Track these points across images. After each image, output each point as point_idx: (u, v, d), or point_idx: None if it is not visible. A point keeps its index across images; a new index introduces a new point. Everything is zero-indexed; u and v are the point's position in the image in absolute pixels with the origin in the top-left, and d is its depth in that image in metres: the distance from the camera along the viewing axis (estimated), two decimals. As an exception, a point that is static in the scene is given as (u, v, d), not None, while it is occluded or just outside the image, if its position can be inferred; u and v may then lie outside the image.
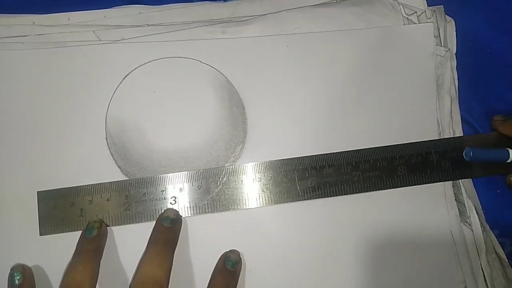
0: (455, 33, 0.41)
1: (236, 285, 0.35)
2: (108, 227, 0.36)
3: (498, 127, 0.39)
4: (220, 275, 0.35)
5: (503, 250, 0.39)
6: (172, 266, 0.33)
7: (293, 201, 0.37)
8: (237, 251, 0.37)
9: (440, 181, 0.39)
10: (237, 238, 0.37)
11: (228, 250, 0.37)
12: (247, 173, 0.37)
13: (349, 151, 0.38)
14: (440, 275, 0.38)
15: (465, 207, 0.39)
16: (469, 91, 0.41)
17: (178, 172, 0.37)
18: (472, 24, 0.41)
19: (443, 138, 0.40)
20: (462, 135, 0.40)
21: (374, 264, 0.38)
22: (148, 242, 0.35)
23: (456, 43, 0.41)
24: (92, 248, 0.34)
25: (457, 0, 0.41)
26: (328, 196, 0.37)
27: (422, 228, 0.39)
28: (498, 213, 0.40)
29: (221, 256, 0.36)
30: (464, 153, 0.39)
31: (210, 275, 0.35)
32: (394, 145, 0.39)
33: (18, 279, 0.33)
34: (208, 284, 0.35)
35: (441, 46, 0.41)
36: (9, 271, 0.34)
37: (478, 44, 0.41)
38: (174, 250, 0.35)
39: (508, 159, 0.38)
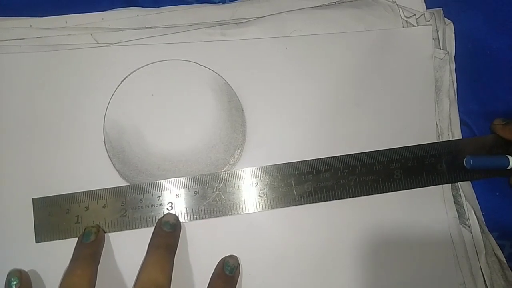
0: (454, 35, 0.41)
1: None
2: (105, 234, 0.36)
3: (498, 131, 0.39)
4: (218, 280, 0.35)
5: (503, 253, 0.39)
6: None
7: (290, 205, 0.37)
8: (235, 256, 0.37)
9: (436, 185, 0.39)
10: (235, 243, 0.37)
11: (226, 255, 0.37)
12: (244, 178, 0.37)
13: (345, 155, 0.38)
14: (440, 277, 0.38)
15: (464, 209, 0.39)
16: (468, 93, 0.41)
17: (177, 175, 0.37)
18: (471, 26, 0.41)
19: (439, 142, 0.39)
20: (460, 137, 0.40)
21: (373, 267, 0.38)
22: (149, 247, 0.35)
23: (455, 46, 0.41)
24: (90, 253, 0.34)
25: (456, 2, 0.41)
26: (325, 201, 0.37)
27: (421, 230, 0.39)
28: (498, 215, 0.40)
29: (219, 261, 0.36)
30: (464, 161, 0.39)
31: (209, 280, 0.35)
32: (390, 149, 0.38)
33: (15, 284, 0.33)
34: (207, 290, 0.35)
35: (440, 48, 0.40)
36: (6, 276, 0.34)
37: (477, 46, 0.41)
38: (175, 255, 0.35)
39: (508, 166, 0.38)
